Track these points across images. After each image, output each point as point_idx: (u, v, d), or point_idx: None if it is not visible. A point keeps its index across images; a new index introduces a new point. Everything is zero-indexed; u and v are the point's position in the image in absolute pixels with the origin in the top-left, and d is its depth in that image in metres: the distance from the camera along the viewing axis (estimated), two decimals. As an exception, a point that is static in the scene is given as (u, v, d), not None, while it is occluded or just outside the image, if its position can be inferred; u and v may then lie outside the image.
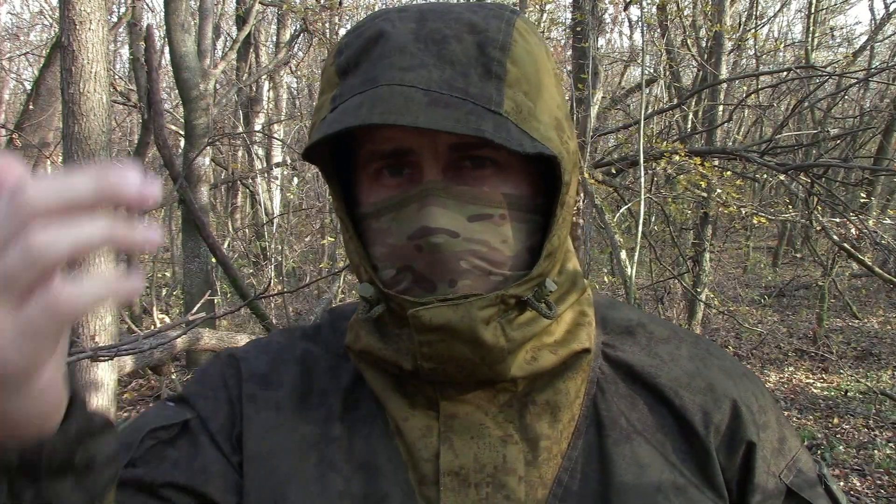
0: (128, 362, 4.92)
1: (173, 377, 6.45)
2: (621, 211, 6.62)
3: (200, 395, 0.76)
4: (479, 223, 0.68)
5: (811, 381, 7.24)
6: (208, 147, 6.84)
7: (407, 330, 0.69)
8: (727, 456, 0.72)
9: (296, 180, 12.70)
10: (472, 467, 0.69)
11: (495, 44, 0.67)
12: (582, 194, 5.32)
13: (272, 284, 7.28)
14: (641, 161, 4.69)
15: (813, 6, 10.02)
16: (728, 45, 8.35)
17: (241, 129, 10.72)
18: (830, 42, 14.37)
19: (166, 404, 0.76)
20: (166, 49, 7.16)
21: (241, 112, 11.57)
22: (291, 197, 11.07)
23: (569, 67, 7.05)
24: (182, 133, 8.00)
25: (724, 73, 7.99)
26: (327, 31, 8.68)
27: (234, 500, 0.70)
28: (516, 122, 0.65)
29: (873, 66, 10.08)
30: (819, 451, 5.30)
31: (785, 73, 7.00)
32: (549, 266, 0.70)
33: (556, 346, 0.72)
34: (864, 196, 8.69)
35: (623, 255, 5.77)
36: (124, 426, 0.73)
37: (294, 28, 10.60)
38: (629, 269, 5.09)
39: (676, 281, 7.58)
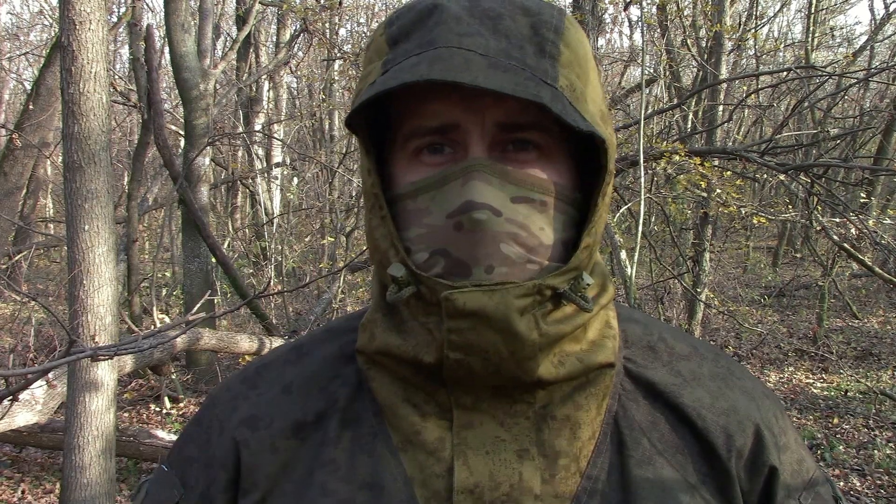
0: (128, 362, 4.92)
1: (173, 377, 6.45)
2: (621, 211, 6.62)
3: (188, 462, 0.76)
4: (521, 205, 0.66)
5: (811, 381, 7.24)
6: (208, 147, 6.84)
7: (434, 318, 0.66)
8: (749, 480, 0.71)
9: (296, 180, 12.71)
10: (487, 485, 0.66)
11: (549, 26, 0.67)
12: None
13: (272, 284, 7.28)
14: (641, 161, 4.69)
15: (813, 6, 10.02)
16: (728, 45, 8.34)
17: (241, 129, 10.72)
18: (830, 42, 14.37)
19: (162, 475, 0.77)
20: (166, 49, 7.16)
21: (241, 112, 11.57)
22: (291, 197, 11.07)
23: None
24: (182, 133, 8.00)
25: (724, 73, 7.99)
26: (327, 31, 8.68)
27: None
28: (570, 99, 0.64)
29: (873, 66, 10.08)
30: (819, 451, 5.30)
31: (785, 73, 7.00)
32: (585, 259, 0.68)
33: (582, 355, 0.70)
34: (864, 196, 8.69)
35: (623, 255, 5.77)
36: None
37: (294, 28, 10.59)
38: (629, 269, 5.09)
39: (676, 281, 7.57)
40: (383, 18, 0.74)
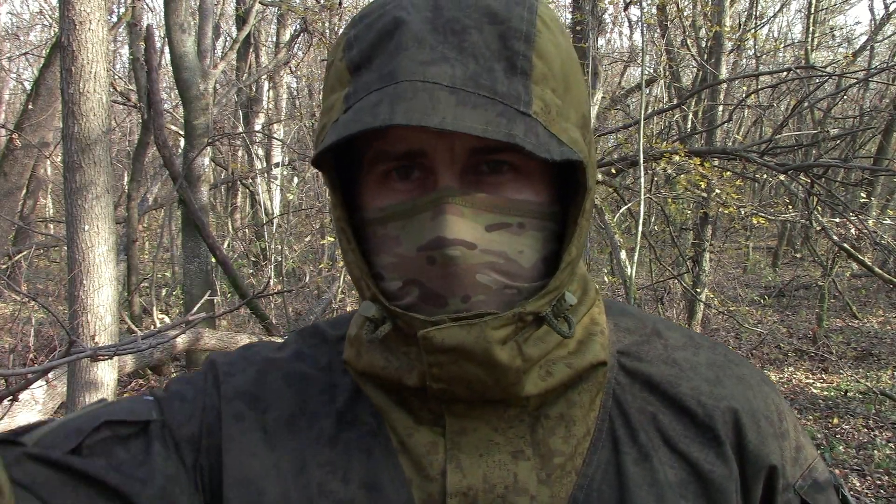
0: (128, 362, 4.92)
1: (173, 377, 6.45)
2: (621, 211, 6.62)
3: (179, 397, 0.73)
4: (496, 233, 0.63)
5: (811, 381, 7.24)
6: (208, 147, 6.84)
7: (414, 349, 0.65)
8: (747, 468, 0.70)
9: (296, 180, 12.70)
10: (481, 488, 0.65)
11: (519, 35, 0.62)
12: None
13: (272, 284, 7.28)
14: (641, 161, 4.69)
15: (813, 6, 10.02)
16: (728, 45, 8.34)
17: (241, 129, 10.72)
18: (830, 42, 14.37)
19: (142, 398, 0.73)
20: (166, 49, 7.16)
21: (241, 112, 11.57)
22: (291, 197, 11.07)
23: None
24: (182, 133, 8.00)
25: (724, 73, 7.99)
26: (327, 31, 8.68)
27: None
28: (545, 123, 0.61)
29: (873, 66, 10.08)
30: (819, 451, 5.30)
31: (785, 73, 7.00)
32: (567, 278, 0.65)
33: (570, 358, 0.68)
34: (864, 196, 8.70)
35: (623, 255, 5.78)
36: (85, 409, 0.70)
37: (294, 28, 10.60)
38: (629, 269, 5.09)
39: (676, 281, 7.57)
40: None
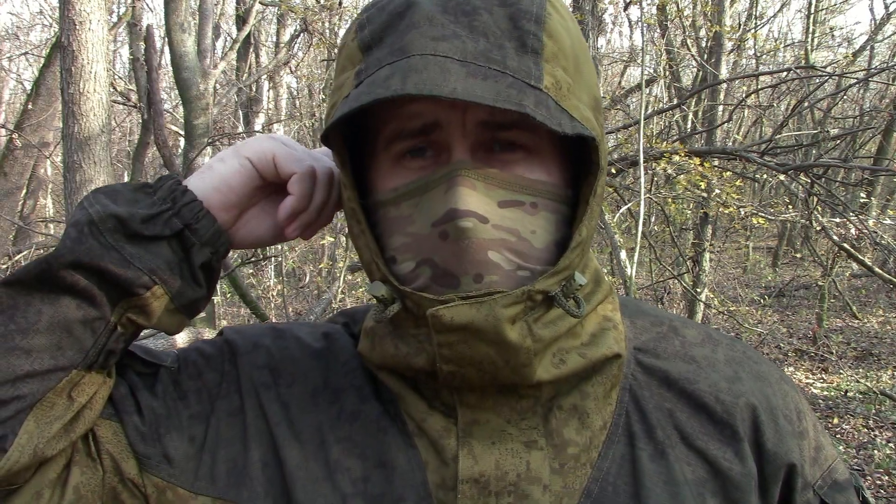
0: (128, 362, 4.92)
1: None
2: (621, 211, 6.61)
3: (199, 354, 0.77)
4: (509, 210, 0.63)
5: (811, 381, 7.23)
6: (208, 147, 6.84)
7: (424, 330, 0.64)
8: (766, 466, 0.70)
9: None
10: (493, 475, 0.64)
11: (529, 16, 0.62)
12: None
13: (272, 284, 7.28)
14: (641, 161, 4.68)
15: (813, 6, 10.03)
16: (728, 45, 8.34)
17: (241, 129, 10.72)
18: (830, 42, 14.36)
19: (169, 351, 0.79)
20: (166, 49, 7.16)
21: (241, 112, 11.57)
22: (291, 197, 11.05)
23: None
24: (182, 133, 8.00)
25: (724, 73, 7.98)
26: (327, 31, 8.68)
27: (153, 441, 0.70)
28: (556, 98, 0.61)
29: (873, 66, 10.07)
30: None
31: (785, 73, 6.99)
32: (577, 258, 0.65)
33: (583, 349, 0.68)
34: (864, 196, 8.68)
35: (623, 255, 5.77)
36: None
37: (294, 28, 10.60)
38: (629, 269, 5.09)
39: (676, 281, 7.57)
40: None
